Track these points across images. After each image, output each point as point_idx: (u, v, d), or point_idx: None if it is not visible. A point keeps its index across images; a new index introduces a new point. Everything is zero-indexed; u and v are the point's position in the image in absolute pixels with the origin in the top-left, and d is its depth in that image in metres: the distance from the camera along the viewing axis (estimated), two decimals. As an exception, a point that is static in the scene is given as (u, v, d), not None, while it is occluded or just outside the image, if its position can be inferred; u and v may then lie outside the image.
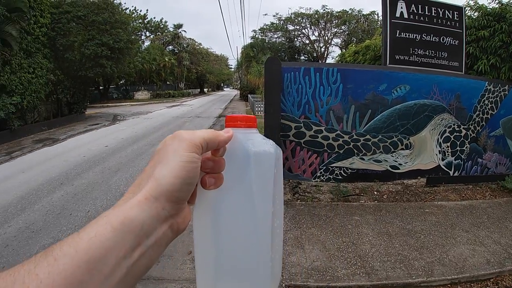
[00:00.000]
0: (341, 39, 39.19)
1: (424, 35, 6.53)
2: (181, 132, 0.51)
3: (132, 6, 57.54)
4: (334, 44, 40.04)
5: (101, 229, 0.39)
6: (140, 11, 46.98)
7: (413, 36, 6.48)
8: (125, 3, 29.89)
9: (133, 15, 38.97)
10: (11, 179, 7.65)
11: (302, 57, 40.49)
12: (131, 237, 0.41)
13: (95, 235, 0.39)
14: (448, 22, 6.66)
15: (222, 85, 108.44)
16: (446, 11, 6.62)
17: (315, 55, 39.46)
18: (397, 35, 6.38)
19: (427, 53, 6.59)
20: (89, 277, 0.36)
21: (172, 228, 0.48)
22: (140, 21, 43.25)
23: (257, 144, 0.58)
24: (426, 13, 6.50)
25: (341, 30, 38.30)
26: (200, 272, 0.60)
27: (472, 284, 3.54)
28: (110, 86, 37.85)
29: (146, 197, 0.44)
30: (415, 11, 6.43)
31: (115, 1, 18.77)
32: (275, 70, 5.53)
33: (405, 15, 6.40)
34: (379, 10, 36.73)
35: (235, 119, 0.59)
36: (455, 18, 6.70)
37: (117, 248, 0.39)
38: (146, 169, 0.49)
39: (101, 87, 35.06)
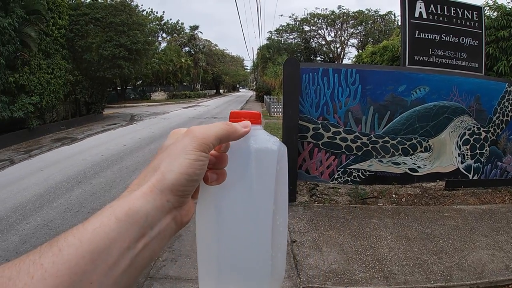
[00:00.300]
0: (357, 39, 39.06)
1: (443, 35, 6.44)
2: (195, 129, 0.50)
3: (149, 8, 58.16)
4: (350, 45, 39.92)
5: (105, 220, 0.40)
6: (157, 12, 47.34)
7: (432, 36, 6.40)
8: (142, 5, 30.27)
9: (149, 17, 39.28)
10: (30, 177, 7.78)
11: (318, 58, 40.38)
12: (136, 228, 0.41)
13: (100, 225, 0.39)
14: (467, 22, 6.56)
15: (238, 86, 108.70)
16: (465, 11, 6.53)
17: (331, 56, 39.32)
18: (416, 36, 6.31)
19: (447, 54, 6.50)
20: (93, 267, 0.37)
21: (176, 220, 0.48)
22: (156, 22, 43.60)
23: (259, 141, 0.57)
24: (445, 13, 6.42)
25: (358, 31, 38.14)
26: (202, 268, 0.60)
27: (490, 290, 3.48)
28: (127, 87, 38.24)
29: (151, 189, 0.44)
30: (434, 11, 6.36)
31: (132, 3, 18.98)
32: (293, 71, 5.51)
33: (424, 15, 6.33)
34: (396, 10, 36.52)
35: (239, 115, 0.58)
36: (474, 18, 6.60)
37: (121, 238, 0.40)
38: (153, 162, 0.48)
39: (118, 88, 35.42)
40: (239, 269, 0.57)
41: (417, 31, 6.31)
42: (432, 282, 3.46)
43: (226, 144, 0.54)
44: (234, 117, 0.58)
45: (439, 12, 6.38)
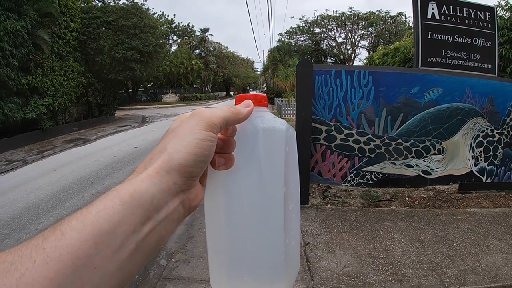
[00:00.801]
0: (368, 41, 39.01)
1: (456, 36, 6.38)
2: (201, 110, 0.50)
3: (160, 11, 58.60)
4: (361, 46, 39.87)
5: (109, 202, 0.39)
6: (168, 16, 47.73)
7: (445, 37, 6.34)
8: (153, 8, 30.58)
9: (161, 20, 39.58)
10: (42, 177, 7.87)
11: (329, 60, 40.37)
12: (141, 211, 0.40)
13: (103, 208, 0.38)
14: (480, 23, 6.49)
15: (248, 88, 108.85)
16: (478, 12, 6.46)
17: (342, 57, 39.29)
18: (429, 37, 6.26)
19: (460, 55, 6.43)
20: (96, 251, 0.36)
21: (184, 204, 0.47)
22: (167, 25, 43.90)
23: (266, 122, 0.57)
24: (458, 14, 6.35)
25: (368, 32, 38.06)
26: (212, 256, 0.60)
27: (504, 294, 3.44)
28: (139, 89, 38.64)
29: (157, 171, 0.43)
30: (447, 12, 6.30)
31: (143, 7, 19.14)
32: (306, 72, 5.50)
33: (437, 16, 6.27)
34: (406, 11, 36.40)
35: (244, 98, 0.58)
36: (487, 19, 6.52)
37: (126, 221, 0.39)
38: (159, 145, 0.48)
39: (130, 90, 35.78)
40: (252, 256, 0.56)
41: (429, 32, 6.26)
42: (446, 285, 3.42)
43: (233, 128, 0.54)
44: (240, 100, 0.58)
45: (451, 13, 6.32)
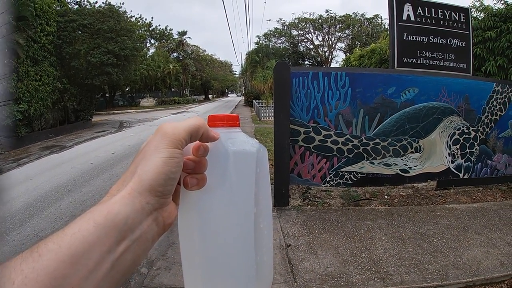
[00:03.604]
0: (345, 43, 39.55)
1: (431, 37, 6.50)
2: (164, 126, 0.51)
3: (138, 14, 58.14)
4: (338, 49, 40.35)
5: (84, 224, 0.40)
6: (145, 19, 47.27)
7: (420, 38, 6.45)
8: (131, 11, 30.34)
9: (138, 23, 39.21)
10: (19, 186, 7.67)
11: (306, 62, 40.77)
12: (115, 232, 0.42)
13: (78, 230, 0.39)
14: (455, 24, 6.63)
15: (226, 91, 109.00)
16: (452, 13, 6.60)
17: (319, 59, 39.71)
18: (404, 38, 6.36)
19: (435, 55, 6.56)
20: (72, 271, 0.37)
21: (158, 222, 0.48)
22: (145, 29, 43.52)
23: (237, 144, 0.57)
24: (433, 15, 6.47)
25: (345, 34, 38.57)
26: (186, 274, 0.60)
27: (486, 287, 3.50)
28: (116, 94, 38.20)
29: (129, 192, 0.45)
30: (422, 14, 6.41)
31: (120, 10, 18.94)
32: (284, 75, 5.50)
33: (412, 18, 6.38)
34: (382, 13, 37.03)
35: (216, 119, 0.59)
36: (462, 20, 6.67)
37: (100, 242, 0.40)
38: (131, 167, 0.49)
39: (107, 95, 35.35)
40: (224, 274, 0.57)
41: (405, 34, 6.36)
42: (429, 281, 3.47)
43: (205, 148, 0.54)
44: (212, 120, 0.59)
45: (426, 14, 6.44)
